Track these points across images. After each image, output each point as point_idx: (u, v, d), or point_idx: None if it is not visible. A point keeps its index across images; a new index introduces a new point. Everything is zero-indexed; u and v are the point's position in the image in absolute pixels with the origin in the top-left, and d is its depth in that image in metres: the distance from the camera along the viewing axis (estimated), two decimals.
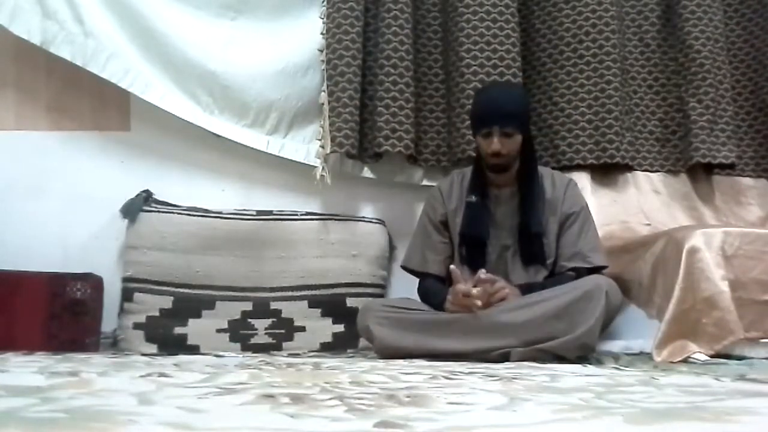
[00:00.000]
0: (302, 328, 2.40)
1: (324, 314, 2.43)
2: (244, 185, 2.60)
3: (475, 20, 2.49)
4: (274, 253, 2.45)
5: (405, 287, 2.27)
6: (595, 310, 1.78)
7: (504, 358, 1.79)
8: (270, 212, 2.50)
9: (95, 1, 2.40)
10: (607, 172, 2.58)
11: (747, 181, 2.75)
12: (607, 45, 2.55)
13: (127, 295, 2.34)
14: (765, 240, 2.09)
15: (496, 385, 1.15)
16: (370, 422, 0.74)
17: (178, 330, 2.32)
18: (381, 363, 1.68)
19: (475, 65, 2.48)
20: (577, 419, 0.78)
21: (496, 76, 2.47)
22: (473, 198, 2.09)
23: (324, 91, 2.48)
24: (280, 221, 2.48)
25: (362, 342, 2.25)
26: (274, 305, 2.40)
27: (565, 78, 2.59)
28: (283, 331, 2.39)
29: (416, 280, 2.19)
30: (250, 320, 2.37)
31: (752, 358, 1.95)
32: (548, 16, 2.63)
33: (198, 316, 2.35)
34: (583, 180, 2.46)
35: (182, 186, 2.53)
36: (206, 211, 2.46)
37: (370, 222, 2.58)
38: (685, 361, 1.91)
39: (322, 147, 2.46)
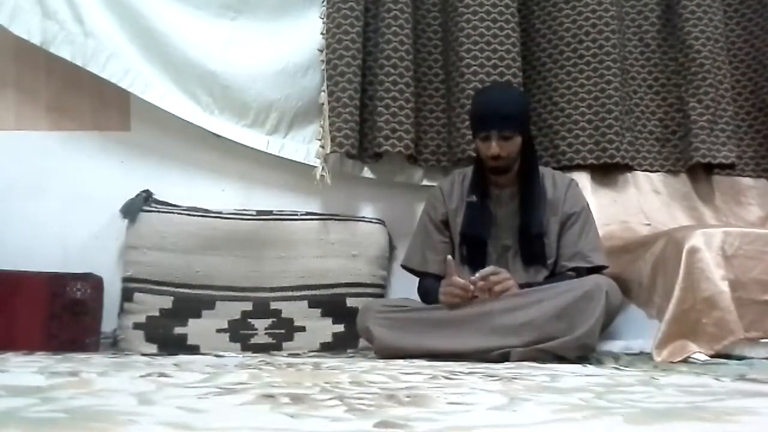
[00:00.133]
0: (302, 328, 2.40)
1: (324, 314, 2.43)
2: (244, 185, 2.60)
3: (475, 20, 2.49)
4: (274, 253, 2.45)
5: (405, 287, 2.27)
6: (595, 310, 1.78)
7: (504, 358, 1.79)
8: (270, 212, 2.50)
9: (95, 1, 2.40)
10: (607, 172, 2.58)
11: (747, 181, 2.75)
12: (607, 45, 2.55)
13: (127, 295, 2.34)
14: (765, 240, 2.09)
15: (496, 385, 1.15)
16: (370, 422, 0.74)
17: (178, 330, 2.32)
18: (381, 363, 1.68)
19: (475, 65, 2.48)
20: (577, 419, 0.78)
21: (496, 76, 2.47)
22: (474, 198, 2.09)
23: (324, 91, 2.48)
24: (280, 221, 2.48)
25: (362, 342, 2.24)
26: (274, 305, 2.40)
27: (565, 78, 2.59)
28: (283, 331, 2.39)
29: (416, 280, 2.19)
30: (250, 320, 2.37)
31: (752, 358, 1.95)
32: (548, 16, 2.63)
33: (198, 316, 2.35)
34: (583, 180, 2.46)
35: (182, 186, 2.53)
36: (206, 211, 2.46)
37: (370, 222, 2.58)
38: (685, 361, 1.91)
39: (322, 147, 2.46)
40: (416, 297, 2.15)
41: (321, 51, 2.50)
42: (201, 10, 2.50)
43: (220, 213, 2.46)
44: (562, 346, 1.78)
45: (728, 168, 2.68)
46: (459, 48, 2.50)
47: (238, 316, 2.37)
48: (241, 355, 2.15)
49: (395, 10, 2.48)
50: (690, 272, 1.98)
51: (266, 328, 2.38)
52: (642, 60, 2.73)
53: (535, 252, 2.04)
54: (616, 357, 2.00)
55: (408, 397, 0.95)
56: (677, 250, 2.02)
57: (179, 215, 2.42)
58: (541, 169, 2.17)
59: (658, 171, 2.68)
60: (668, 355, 1.93)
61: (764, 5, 2.79)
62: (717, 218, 2.62)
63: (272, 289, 2.42)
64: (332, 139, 2.42)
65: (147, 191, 2.47)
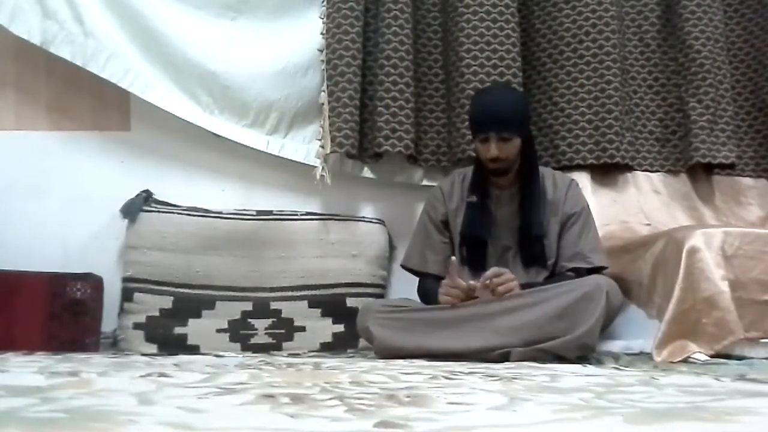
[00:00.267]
0: (302, 328, 2.40)
1: (324, 314, 2.43)
2: (244, 185, 2.60)
3: (475, 20, 2.49)
4: (274, 253, 2.45)
5: (405, 287, 2.27)
6: (595, 310, 1.78)
7: (504, 358, 1.79)
8: (270, 212, 2.50)
9: (95, 1, 2.40)
10: (607, 172, 2.58)
11: (747, 181, 2.75)
12: (607, 45, 2.55)
13: (127, 295, 2.34)
14: (765, 240, 2.09)
15: (496, 385, 1.15)
16: (370, 422, 0.74)
17: (178, 330, 2.32)
18: (381, 363, 1.68)
19: (475, 65, 2.48)
20: (577, 419, 0.78)
21: (496, 76, 2.47)
22: (474, 198, 2.09)
23: (324, 91, 2.48)
24: (280, 221, 2.48)
25: (362, 342, 2.24)
26: (274, 305, 2.40)
27: (565, 78, 2.59)
28: (283, 331, 2.39)
29: (416, 280, 2.19)
30: (250, 320, 2.37)
31: (752, 358, 1.95)
32: (548, 16, 2.63)
33: (198, 316, 2.35)
34: (583, 180, 2.46)
35: (182, 186, 2.53)
36: (206, 211, 2.46)
37: (370, 222, 2.58)
38: (685, 361, 1.91)
39: (322, 147, 2.46)
40: (416, 297, 2.15)
41: (321, 51, 2.50)
42: (201, 10, 2.50)
43: (220, 213, 2.46)
44: (562, 346, 1.78)
45: (728, 168, 2.68)
46: (459, 48, 2.50)
47: (238, 316, 2.37)
48: (241, 355, 2.15)
49: (395, 10, 2.48)
50: (690, 272, 1.98)
51: (266, 328, 2.38)
52: (642, 60, 2.73)
53: (535, 253, 2.04)
54: (616, 357, 2.00)
55: (408, 397, 0.95)
56: (677, 250, 2.02)
57: (179, 215, 2.42)
58: (542, 169, 2.17)
59: (658, 171, 2.68)
60: (668, 355, 1.93)
61: (764, 5, 2.79)
62: (717, 218, 2.62)
63: (272, 289, 2.42)
64: (332, 139, 2.42)
65: (147, 191, 2.47)
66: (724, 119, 2.63)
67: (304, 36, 2.54)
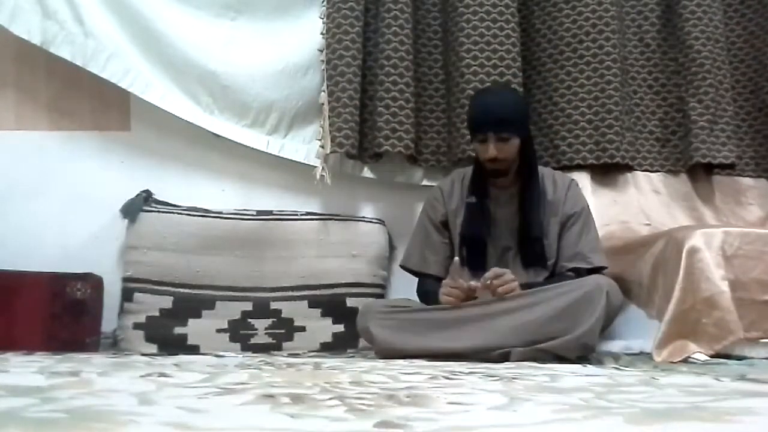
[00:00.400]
0: (302, 328, 2.40)
1: (324, 314, 2.43)
2: (244, 185, 2.60)
3: (475, 20, 2.49)
4: (274, 253, 2.45)
5: (405, 287, 2.27)
6: (595, 310, 1.78)
7: (504, 358, 1.79)
8: (270, 212, 2.50)
9: (95, 1, 2.40)
10: (607, 172, 2.58)
11: (747, 181, 2.75)
12: (607, 45, 2.55)
13: (127, 295, 2.34)
14: (765, 240, 2.09)
15: (496, 385, 1.15)
16: (370, 422, 0.74)
17: (178, 330, 2.32)
18: (381, 363, 1.68)
19: (475, 65, 2.48)
20: (577, 419, 0.78)
21: (496, 76, 2.47)
22: (473, 199, 2.09)
23: (324, 91, 2.48)
24: (280, 221, 2.48)
25: (362, 342, 2.24)
26: (274, 305, 2.40)
27: (565, 78, 2.59)
28: (283, 331, 2.39)
29: (416, 280, 2.19)
30: (250, 320, 2.37)
31: (752, 358, 1.95)
32: (548, 16, 2.63)
33: (198, 316, 2.35)
34: (583, 180, 2.46)
35: (182, 186, 2.53)
36: (206, 211, 2.46)
37: (370, 222, 2.58)
38: (685, 361, 1.91)
39: (322, 147, 2.46)
40: (416, 297, 2.15)
41: (321, 51, 2.50)
42: (201, 10, 2.50)
43: (220, 213, 2.46)
44: (562, 346, 1.78)
45: (728, 168, 2.68)
46: (459, 48, 2.50)
47: (238, 316, 2.37)
48: (241, 355, 2.15)
49: (395, 10, 2.48)
50: (690, 272, 1.98)
51: (266, 328, 2.38)
52: (642, 60, 2.73)
53: (535, 254, 2.04)
54: (616, 357, 2.00)
55: (408, 397, 0.95)
56: (677, 250, 2.02)
57: (179, 215, 2.42)
58: (542, 169, 2.16)
59: (658, 171, 2.68)
60: (668, 355, 1.93)
61: (764, 5, 2.79)
62: (717, 218, 2.62)
63: (272, 289, 2.42)
64: (332, 139, 2.42)
65: (147, 191, 2.47)
66: (724, 119, 2.63)
67: (304, 36, 2.54)
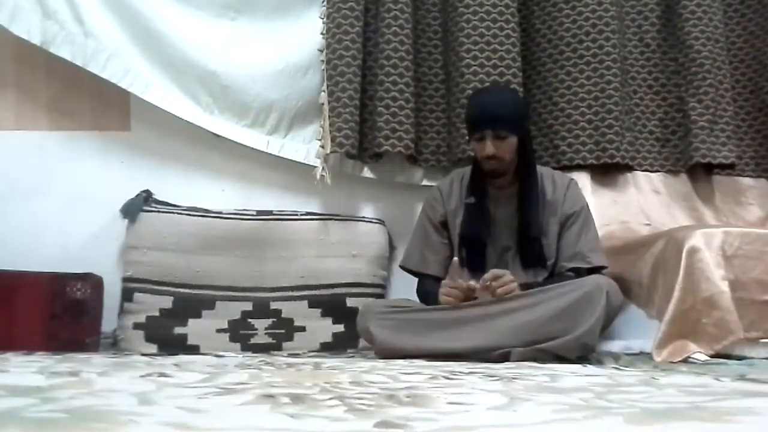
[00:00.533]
0: (302, 328, 2.40)
1: (324, 314, 2.43)
2: (244, 185, 2.60)
3: (475, 20, 2.49)
4: (274, 253, 2.45)
5: (405, 287, 2.27)
6: (595, 310, 1.78)
7: (504, 358, 1.79)
8: (270, 212, 2.50)
9: (95, 1, 2.40)
10: (607, 172, 2.58)
11: (747, 181, 2.75)
12: (607, 45, 2.55)
13: (127, 295, 2.35)
14: (765, 240, 2.09)
15: (496, 385, 1.15)
16: (370, 422, 0.74)
17: (178, 330, 2.32)
18: (381, 363, 1.68)
19: (475, 65, 2.48)
20: (577, 419, 0.78)
21: (496, 76, 2.47)
22: (472, 199, 2.09)
23: (324, 91, 2.48)
24: (280, 221, 2.48)
25: (362, 342, 2.24)
26: (274, 305, 2.40)
27: (565, 78, 2.59)
28: (283, 331, 2.39)
29: (416, 281, 2.19)
30: (250, 320, 2.37)
31: (752, 358, 1.95)
32: (548, 16, 2.63)
33: (198, 316, 2.35)
34: (583, 180, 2.46)
35: (182, 186, 2.53)
36: (206, 211, 2.46)
37: (370, 222, 2.58)
38: (685, 361, 1.91)
39: (322, 147, 2.46)
40: (416, 297, 2.15)
41: (321, 51, 2.50)
42: (201, 10, 2.50)
43: (220, 213, 2.46)
44: (562, 346, 1.78)
45: (728, 168, 2.68)
46: (459, 48, 2.50)
47: (238, 316, 2.37)
48: (241, 355, 2.15)
49: (395, 10, 2.48)
50: (690, 272, 1.98)
51: (266, 328, 2.38)
52: (642, 60, 2.73)
53: (534, 253, 2.04)
54: (616, 357, 2.00)
55: (408, 397, 0.95)
56: (677, 250, 2.02)
57: (179, 215, 2.42)
58: (541, 169, 2.16)
59: (658, 171, 2.68)
60: (668, 355, 1.93)
61: (764, 5, 2.79)
62: (717, 218, 2.62)
63: (272, 289, 2.42)
64: (332, 139, 2.42)
65: (147, 191, 2.47)
66: (724, 119, 2.63)
67: (304, 36, 2.54)
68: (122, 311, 2.34)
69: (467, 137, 2.33)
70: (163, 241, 2.37)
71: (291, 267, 2.45)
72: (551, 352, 1.78)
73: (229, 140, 2.50)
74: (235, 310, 2.38)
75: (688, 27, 2.64)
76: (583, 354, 1.83)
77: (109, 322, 2.33)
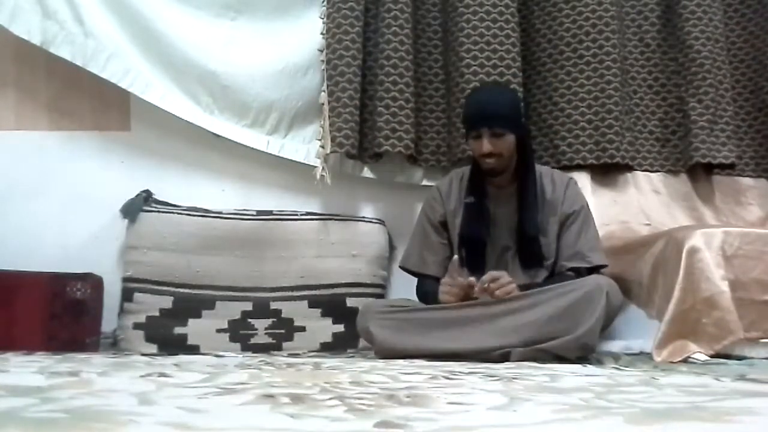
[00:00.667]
0: (302, 328, 2.40)
1: (324, 314, 2.43)
2: (244, 185, 2.60)
3: (475, 20, 2.49)
4: (274, 253, 2.45)
5: (405, 287, 2.27)
6: (595, 310, 1.78)
7: (504, 358, 1.79)
8: (270, 212, 2.50)
9: (95, 1, 2.40)
10: (607, 172, 2.58)
11: (747, 181, 2.75)
12: (607, 45, 2.55)
13: (127, 295, 2.34)
14: (765, 240, 2.09)
15: (496, 385, 1.15)
16: (370, 422, 0.74)
17: (178, 330, 2.32)
18: (381, 363, 1.68)
19: (475, 65, 2.48)
20: (577, 419, 0.78)
21: (496, 76, 2.47)
22: (471, 199, 2.09)
23: (324, 91, 2.48)
24: (280, 221, 2.48)
25: (362, 342, 2.24)
26: (274, 305, 2.40)
27: (565, 78, 2.59)
28: (283, 331, 2.39)
29: (416, 281, 2.19)
30: (250, 320, 2.37)
31: (752, 358, 1.95)
32: (548, 16, 2.63)
33: (198, 316, 2.35)
34: (583, 180, 2.46)
35: (182, 186, 2.53)
36: (206, 211, 2.46)
37: (370, 222, 2.58)
38: (685, 361, 1.91)
39: (322, 147, 2.46)
40: (416, 297, 2.15)
41: (321, 51, 2.50)
42: (201, 10, 2.50)
43: (220, 213, 2.46)
44: (562, 346, 1.77)
45: (728, 168, 2.68)
46: (459, 48, 2.50)
47: (238, 316, 2.37)
48: (241, 355, 2.15)
49: (395, 10, 2.48)
50: (690, 272, 1.98)
51: (266, 328, 2.38)
52: (642, 60, 2.73)
53: (532, 253, 2.04)
54: (616, 357, 2.00)
55: (408, 397, 0.95)
56: (677, 250, 2.02)
57: (179, 215, 2.42)
58: (540, 168, 2.17)
59: (658, 171, 2.68)
60: (668, 355, 1.93)
61: (764, 5, 2.79)
62: (717, 218, 2.62)
63: (272, 289, 2.42)
64: (332, 139, 2.42)
65: (147, 191, 2.47)
66: (724, 119, 2.63)
67: (304, 36, 2.54)
68: (122, 311, 2.34)
69: (465, 137, 2.34)
70: (163, 241, 2.37)
71: (291, 267, 2.45)
72: (551, 352, 1.78)
73: (229, 140, 2.50)
74: (235, 310, 2.38)
75: (688, 27, 2.64)
76: (583, 354, 1.83)
77: (109, 322, 2.33)
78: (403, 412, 0.81)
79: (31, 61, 2.49)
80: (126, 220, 2.41)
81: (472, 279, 1.90)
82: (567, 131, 2.57)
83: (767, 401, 1.02)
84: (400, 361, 1.73)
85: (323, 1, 2.50)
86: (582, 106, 2.56)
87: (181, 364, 1.56)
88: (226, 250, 2.41)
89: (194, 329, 2.33)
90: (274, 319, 2.39)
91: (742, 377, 1.36)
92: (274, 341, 2.37)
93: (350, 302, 2.43)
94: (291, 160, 2.53)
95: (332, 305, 2.43)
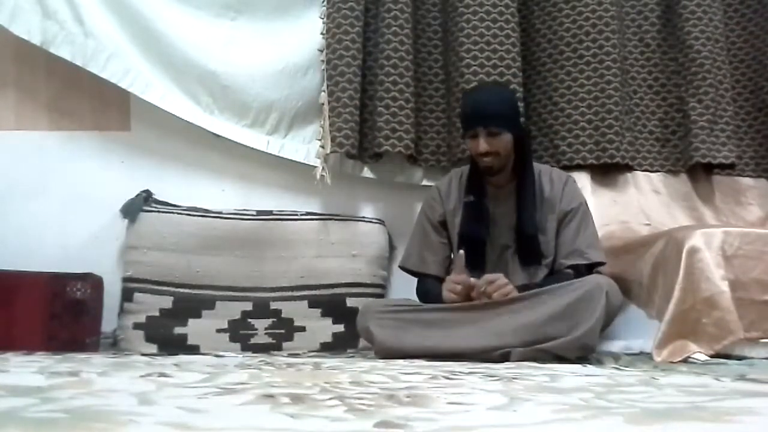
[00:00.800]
0: (302, 328, 2.40)
1: (324, 314, 2.43)
2: (244, 185, 2.60)
3: (475, 20, 2.49)
4: (274, 253, 2.45)
5: (405, 287, 2.27)
6: (595, 310, 1.78)
7: (504, 358, 1.79)
8: (270, 212, 2.50)
9: (95, 1, 2.40)
10: (607, 172, 2.58)
11: (747, 181, 2.75)
12: (607, 45, 2.55)
13: (127, 295, 2.35)
14: (765, 240, 2.09)
15: (496, 385, 1.15)
16: (370, 422, 0.74)
17: (178, 330, 2.32)
18: (381, 363, 1.68)
19: (475, 65, 2.48)
20: (577, 419, 0.78)
21: (496, 76, 2.47)
22: (471, 198, 2.09)
23: (324, 91, 2.48)
24: (280, 221, 2.48)
25: (362, 342, 2.24)
26: (274, 305, 2.40)
27: (565, 78, 2.59)
28: (283, 331, 2.39)
29: (416, 280, 2.19)
30: (250, 320, 2.37)
31: (752, 358, 1.95)
32: (548, 16, 2.63)
33: (198, 316, 2.35)
34: (583, 180, 2.46)
35: (182, 186, 2.53)
36: (206, 211, 2.46)
37: (370, 222, 2.58)
38: (685, 361, 1.91)
39: (322, 147, 2.46)
40: (416, 297, 2.15)
41: (321, 51, 2.50)
42: (201, 10, 2.50)
43: (220, 213, 2.46)
44: (562, 346, 1.77)
45: (728, 168, 2.68)
46: (459, 48, 2.50)
47: (238, 316, 2.37)
48: (241, 355, 2.15)
49: (395, 10, 2.48)
50: (690, 272, 1.98)
51: (266, 328, 2.38)
52: (642, 60, 2.73)
53: (531, 251, 2.04)
54: (616, 357, 2.00)
55: (408, 397, 0.95)
56: (677, 250, 2.02)
57: (179, 215, 2.42)
58: (538, 166, 2.17)
59: (658, 171, 2.68)
60: (668, 355, 1.93)
61: (764, 5, 2.79)
62: (717, 218, 2.62)
63: (272, 289, 2.42)
64: (332, 139, 2.42)
65: (147, 191, 2.47)
66: (724, 119, 2.63)
67: (304, 36, 2.54)
68: (122, 311, 2.34)
69: (462, 136, 2.34)
70: (163, 241, 2.37)
71: (291, 267, 2.45)
72: (551, 352, 1.78)
73: (229, 140, 2.50)
74: (235, 310, 2.38)
75: (688, 27, 2.64)
76: (583, 354, 1.83)
77: (109, 322, 2.33)
78: (403, 412, 0.81)
79: (31, 61, 2.49)
80: (126, 220, 2.41)
81: (474, 280, 1.91)
82: (567, 131, 2.57)
83: (767, 401, 1.02)
84: (400, 361, 1.73)
85: (323, 1, 2.50)
86: (582, 106, 2.56)
87: (181, 364, 1.56)
88: (226, 250, 2.42)
89: (194, 329, 2.33)
90: (274, 319, 2.39)
91: (742, 377, 1.36)
92: (274, 341, 2.37)
93: (350, 302, 2.43)
94: (291, 160, 2.53)
95: (332, 305, 2.43)
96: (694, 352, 1.93)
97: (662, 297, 2.05)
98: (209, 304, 2.37)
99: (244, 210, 2.50)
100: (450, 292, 1.94)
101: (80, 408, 0.82)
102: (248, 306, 2.39)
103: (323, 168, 2.46)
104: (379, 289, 2.52)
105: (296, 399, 0.91)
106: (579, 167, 2.53)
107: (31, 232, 2.44)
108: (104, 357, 1.92)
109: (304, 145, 2.54)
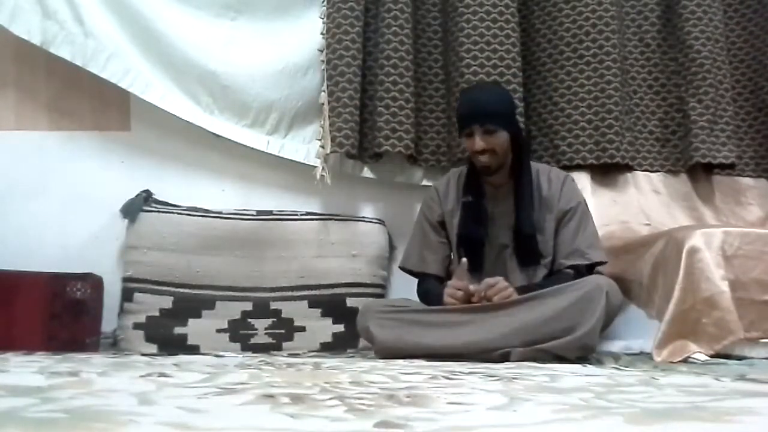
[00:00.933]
0: (302, 328, 2.40)
1: (324, 314, 2.43)
2: (244, 185, 2.60)
3: (475, 20, 2.49)
4: (274, 253, 2.45)
5: (405, 287, 2.27)
6: (595, 310, 1.78)
7: (504, 358, 1.79)
8: (270, 212, 2.50)
9: (95, 1, 2.40)
10: (607, 172, 2.58)
11: (747, 181, 2.75)
12: (607, 45, 2.55)
13: (127, 295, 2.35)
14: (765, 240, 2.09)
15: (496, 385, 1.15)
16: (370, 422, 0.74)
17: (178, 330, 2.32)
18: (381, 363, 1.68)
19: (475, 65, 2.48)
20: (577, 419, 0.78)
21: (496, 76, 2.47)
22: (469, 198, 2.09)
23: (324, 91, 2.48)
24: (280, 221, 2.48)
25: (362, 342, 2.24)
26: (274, 305, 2.41)
27: (565, 78, 2.59)
28: (283, 331, 2.39)
29: (416, 281, 2.19)
30: (250, 320, 2.37)
31: (752, 358, 1.94)
32: (548, 16, 2.63)
33: (198, 316, 2.35)
34: (583, 180, 2.46)
35: (182, 186, 2.54)
36: (206, 211, 2.46)
37: (370, 222, 2.58)
38: (685, 361, 1.91)
39: (322, 147, 2.46)
40: (416, 297, 2.15)
41: (321, 51, 2.50)
42: (201, 10, 2.50)
43: (220, 213, 2.46)
44: (562, 347, 1.77)
45: (728, 168, 2.68)
46: (459, 48, 2.50)
47: (238, 316, 2.37)
48: (241, 355, 2.15)
49: (395, 10, 2.48)
50: (690, 272, 1.97)
51: (266, 328, 2.38)
52: (642, 60, 2.73)
53: (530, 251, 2.03)
54: (616, 357, 2.00)
55: (408, 397, 0.95)
56: (677, 250, 2.02)
57: (179, 215, 2.42)
58: (537, 165, 2.17)
59: (658, 171, 2.68)
60: (668, 355, 1.93)
61: (764, 5, 2.79)
62: (717, 218, 2.62)
63: (272, 289, 2.42)
64: (332, 139, 2.42)
65: (147, 191, 2.47)
66: (724, 119, 2.63)
67: (304, 36, 2.54)
68: (122, 311, 2.34)
69: (458, 135, 2.34)
70: (163, 241, 2.37)
71: (291, 267, 2.45)
72: (551, 352, 1.78)
73: (229, 140, 2.50)
74: (235, 310, 2.38)
75: (688, 27, 2.64)
76: (583, 354, 1.83)
77: (109, 322, 2.33)
78: (403, 412, 0.81)
79: (31, 61, 2.49)
80: (126, 220, 2.41)
81: (474, 287, 1.90)
82: (567, 131, 2.57)
83: (767, 401, 1.02)
84: (400, 361, 1.73)
85: (323, 1, 2.50)
86: (582, 106, 2.55)
87: (181, 364, 1.56)
88: (226, 250, 2.42)
89: (194, 329, 2.33)
90: (274, 319, 2.39)
91: (742, 377, 1.36)
92: (274, 341, 2.37)
93: (350, 302, 2.43)
94: (291, 160, 2.53)
95: (332, 305, 2.43)
96: (694, 352, 1.93)
97: (662, 297, 2.05)
98: (209, 304, 2.37)
99: (244, 210, 2.50)
100: (450, 298, 1.93)
101: (80, 408, 0.82)
102: (248, 306, 2.39)
103: (323, 168, 2.46)
104: (379, 289, 2.52)
105: (296, 399, 0.91)
106: (579, 167, 2.53)
107: (31, 232, 2.44)
108: (104, 357, 1.92)
109: (304, 145, 2.54)
